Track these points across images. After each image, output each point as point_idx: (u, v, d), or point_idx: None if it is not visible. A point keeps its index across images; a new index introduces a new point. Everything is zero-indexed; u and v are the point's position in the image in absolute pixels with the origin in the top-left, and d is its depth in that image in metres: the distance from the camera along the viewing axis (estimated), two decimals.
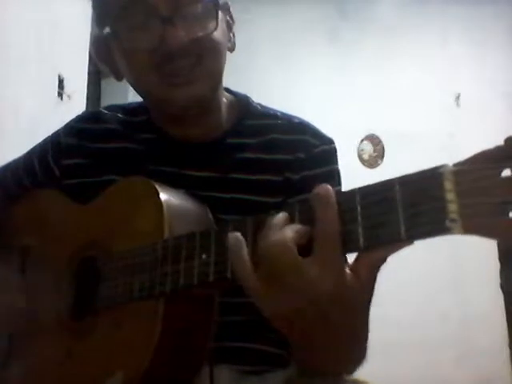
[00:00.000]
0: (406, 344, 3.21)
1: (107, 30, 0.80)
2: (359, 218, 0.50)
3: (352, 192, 0.51)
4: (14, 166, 0.99)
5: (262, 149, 0.86)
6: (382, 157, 4.10)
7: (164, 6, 0.74)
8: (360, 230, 0.49)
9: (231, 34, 0.87)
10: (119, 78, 0.85)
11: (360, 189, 0.51)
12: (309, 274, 0.51)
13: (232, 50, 0.86)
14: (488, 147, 0.46)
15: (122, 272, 0.69)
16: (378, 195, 0.49)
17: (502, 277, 1.95)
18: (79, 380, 0.70)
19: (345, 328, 0.55)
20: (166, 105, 0.80)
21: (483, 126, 3.97)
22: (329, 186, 0.52)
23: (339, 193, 0.53)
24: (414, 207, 0.46)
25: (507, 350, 2.19)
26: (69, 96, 2.59)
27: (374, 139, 4.11)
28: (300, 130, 0.88)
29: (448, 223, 0.44)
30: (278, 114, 0.91)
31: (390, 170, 4.41)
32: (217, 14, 0.78)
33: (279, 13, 4.17)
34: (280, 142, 0.86)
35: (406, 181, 0.48)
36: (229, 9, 0.87)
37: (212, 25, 0.78)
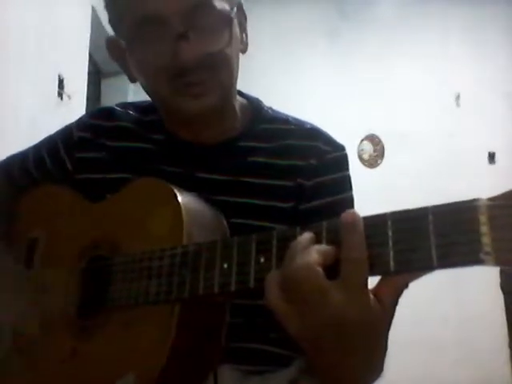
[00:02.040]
0: (405, 344, 3.20)
1: (120, 39, 0.80)
2: (390, 242, 0.50)
3: (383, 216, 0.51)
4: (20, 159, 0.98)
5: (273, 153, 0.85)
6: (382, 157, 4.11)
7: (177, 20, 0.74)
8: (391, 254, 0.50)
9: (244, 35, 0.86)
10: (132, 80, 0.86)
11: (392, 213, 0.51)
12: (335, 298, 0.51)
13: (244, 51, 0.86)
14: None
15: (137, 274, 0.68)
16: (410, 222, 0.50)
17: (501, 277, 1.95)
18: (86, 380, 0.69)
19: (365, 351, 0.55)
20: (178, 114, 0.81)
21: (483, 126, 3.98)
22: (356, 212, 0.52)
23: (369, 216, 0.53)
24: (447, 237, 0.47)
25: (507, 350, 2.19)
26: (69, 96, 2.59)
27: (373, 139, 4.12)
28: (312, 136, 0.88)
29: (482, 256, 0.45)
30: (290, 119, 0.91)
31: (390, 169, 4.41)
32: (231, 26, 0.79)
33: (279, 13, 4.18)
34: (292, 148, 0.86)
35: (439, 211, 0.49)
36: (242, 7, 0.86)
37: (226, 38, 0.78)
